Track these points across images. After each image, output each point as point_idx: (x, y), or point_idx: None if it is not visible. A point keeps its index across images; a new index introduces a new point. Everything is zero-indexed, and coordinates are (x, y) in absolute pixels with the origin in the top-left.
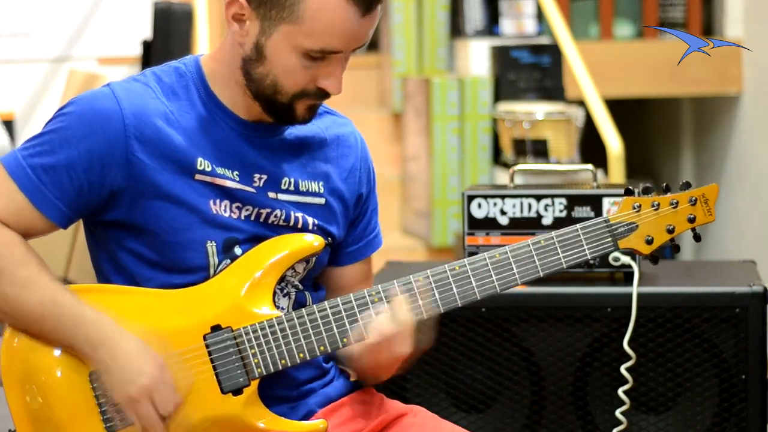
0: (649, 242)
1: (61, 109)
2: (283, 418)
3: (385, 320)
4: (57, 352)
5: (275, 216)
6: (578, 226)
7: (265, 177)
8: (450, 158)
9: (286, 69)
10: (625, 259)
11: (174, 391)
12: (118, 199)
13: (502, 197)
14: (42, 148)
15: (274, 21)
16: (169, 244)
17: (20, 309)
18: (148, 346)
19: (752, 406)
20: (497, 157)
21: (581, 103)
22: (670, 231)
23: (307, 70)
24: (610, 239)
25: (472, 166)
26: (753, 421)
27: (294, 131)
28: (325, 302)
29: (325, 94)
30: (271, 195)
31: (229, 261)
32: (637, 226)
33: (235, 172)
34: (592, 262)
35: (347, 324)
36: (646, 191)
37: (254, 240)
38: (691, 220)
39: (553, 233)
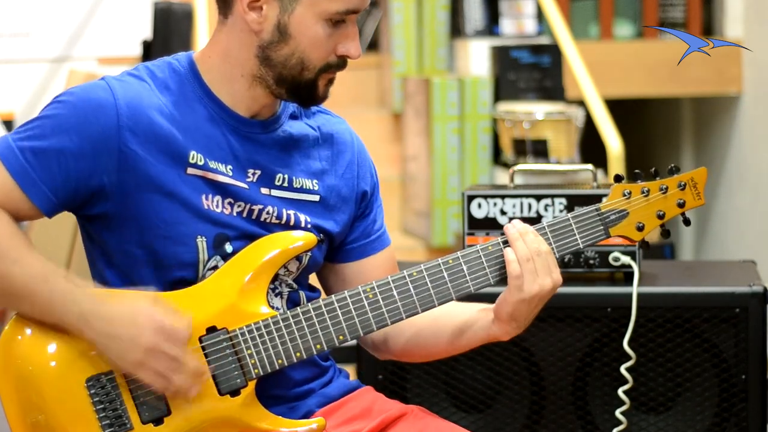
0: (640, 229)
1: (56, 97)
2: (281, 417)
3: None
4: (53, 360)
5: (267, 213)
6: (569, 215)
7: (258, 172)
8: (450, 158)
9: (312, 41)
10: (625, 259)
11: (178, 314)
12: (108, 191)
13: (502, 197)
14: (33, 132)
15: None
16: (159, 238)
17: (10, 285)
18: (138, 291)
19: (752, 406)
20: (497, 157)
21: (581, 103)
22: (661, 216)
23: (330, 39)
24: (601, 227)
25: (472, 166)
26: (753, 421)
27: (288, 128)
28: (320, 300)
29: (343, 63)
30: (264, 191)
31: (219, 257)
32: (628, 213)
33: (228, 167)
34: (592, 261)
35: (342, 321)
36: (635, 177)
37: (246, 237)
38: (681, 205)
39: (545, 223)
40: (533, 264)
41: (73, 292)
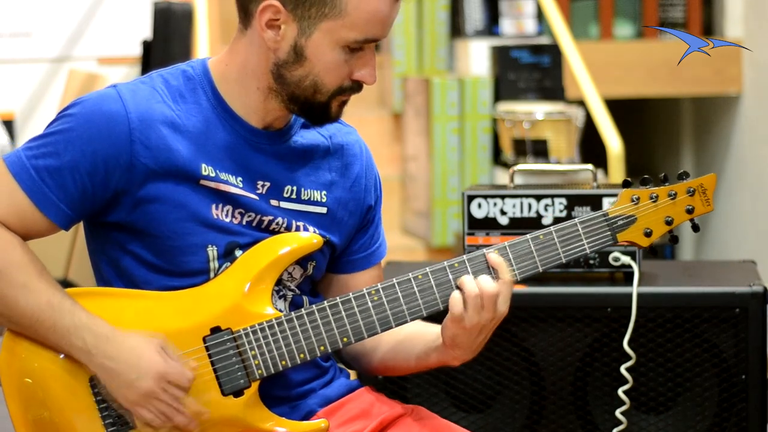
0: (648, 234)
1: (65, 109)
2: (284, 418)
3: (489, 280)
4: (57, 356)
5: (277, 224)
6: (577, 220)
7: (268, 184)
8: (450, 158)
9: (327, 66)
10: (625, 259)
11: (182, 366)
12: (121, 201)
13: (502, 197)
14: (46, 149)
15: (314, 19)
16: (169, 248)
17: (17, 312)
18: (144, 334)
19: (752, 406)
20: (497, 157)
21: (581, 103)
22: (669, 222)
23: (346, 64)
24: (608, 233)
25: (472, 166)
26: (753, 421)
27: (299, 139)
28: (324, 302)
29: (358, 87)
30: (273, 202)
31: (229, 265)
32: (636, 218)
33: (239, 178)
34: (592, 261)
35: (347, 323)
36: (644, 183)
37: (256, 244)
38: (690, 211)
39: (552, 228)
40: (480, 301)
41: (77, 326)
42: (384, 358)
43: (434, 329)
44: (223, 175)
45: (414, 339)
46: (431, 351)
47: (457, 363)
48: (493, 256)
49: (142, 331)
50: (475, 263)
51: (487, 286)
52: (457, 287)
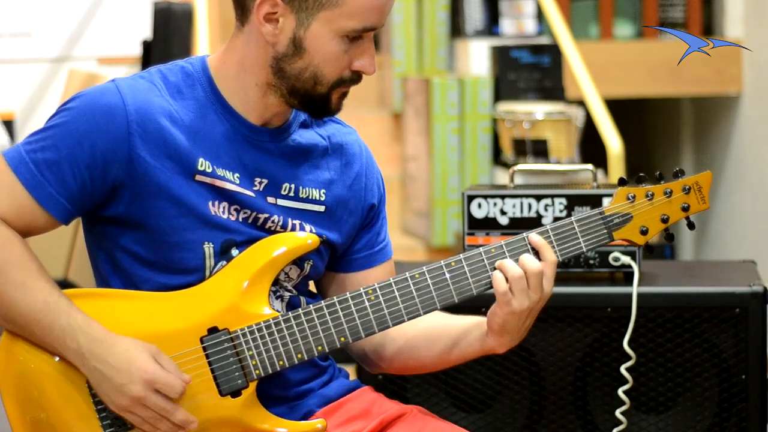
0: (644, 232)
1: (64, 103)
2: (282, 418)
3: (532, 259)
4: (54, 357)
5: (272, 222)
6: (573, 218)
7: (265, 181)
8: (450, 158)
9: (327, 57)
10: (625, 259)
11: (175, 374)
12: (119, 194)
13: (502, 197)
14: (45, 143)
15: (312, 10)
16: (166, 243)
17: (12, 311)
18: (138, 341)
19: (752, 406)
20: (497, 157)
21: (581, 103)
22: (665, 220)
23: (346, 54)
24: (605, 231)
25: (472, 166)
26: (753, 421)
27: (298, 138)
28: (322, 301)
29: (358, 78)
30: (270, 200)
31: (225, 263)
32: (632, 216)
33: (236, 175)
34: (592, 261)
35: (344, 323)
36: (639, 181)
37: (252, 242)
38: (685, 209)
39: (548, 226)
40: (525, 282)
41: (72, 328)
42: (397, 354)
43: (461, 321)
44: (221, 171)
45: (441, 333)
46: (471, 340)
47: (503, 350)
48: (536, 238)
49: (137, 339)
50: (472, 262)
51: (531, 265)
52: (495, 269)
